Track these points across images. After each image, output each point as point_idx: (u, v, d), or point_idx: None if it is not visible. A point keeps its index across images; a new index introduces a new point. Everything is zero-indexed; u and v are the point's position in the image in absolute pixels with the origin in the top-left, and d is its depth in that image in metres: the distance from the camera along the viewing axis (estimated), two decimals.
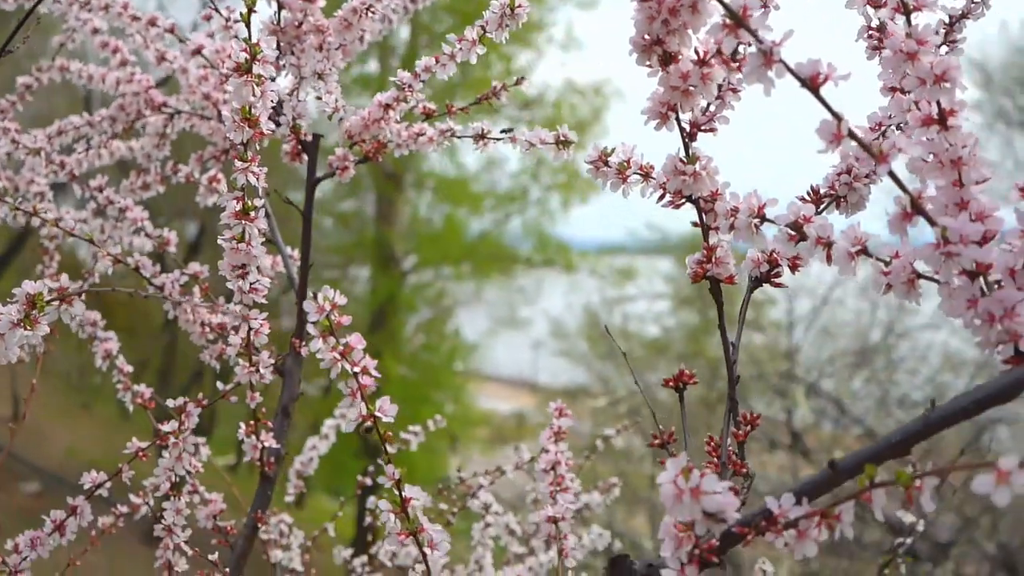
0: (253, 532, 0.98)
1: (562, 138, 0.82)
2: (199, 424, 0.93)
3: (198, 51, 1.04)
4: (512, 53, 11.47)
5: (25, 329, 0.66)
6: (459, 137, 0.95)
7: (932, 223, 0.51)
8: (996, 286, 0.51)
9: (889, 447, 0.50)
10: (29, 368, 1.13)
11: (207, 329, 1.00)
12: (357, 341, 0.62)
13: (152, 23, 1.08)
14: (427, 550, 0.63)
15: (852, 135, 0.50)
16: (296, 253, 1.07)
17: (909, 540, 1.06)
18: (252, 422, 0.95)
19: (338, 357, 0.61)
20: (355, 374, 0.61)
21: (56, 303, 0.65)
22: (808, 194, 0.67)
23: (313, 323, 0.60)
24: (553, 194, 12.20)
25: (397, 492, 0.64)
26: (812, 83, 0.50)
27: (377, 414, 0.62)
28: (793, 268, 0.66)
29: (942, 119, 0.53)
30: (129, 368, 1.09)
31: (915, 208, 0.51)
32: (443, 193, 12.24)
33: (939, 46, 0.70)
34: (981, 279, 0.51)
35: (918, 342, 7.70)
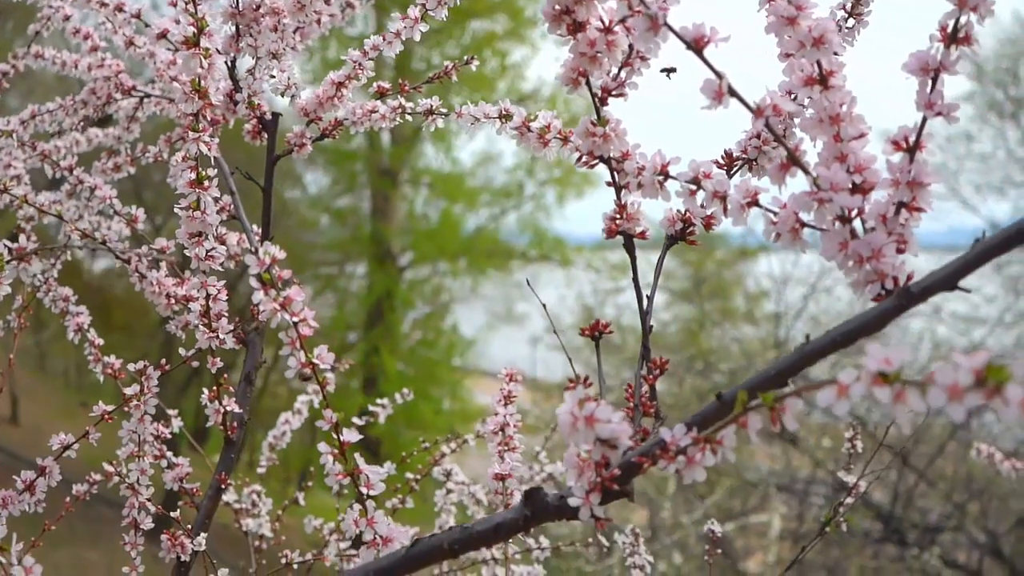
0: (217, 493, 1.02)
1: (504, 112, 0.87)
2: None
3: (163, 35, 1.08)
4: (507, 49, 11.52)
5: None
6: (410, 114, 1.00)
7: (807, 173, 0.55)
8: (871, 232, 0.55)
9: (768, 378, 0.54)
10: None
11: (172, 300, 1.05)
12: (296, 293, 0.66)
13: (119, 8, 1.12)
14: (363, 489, 0.68)
15: (732, 92, 0.54)
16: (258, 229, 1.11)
17: (850, 500, 1.10)
18: (215, 388, 0.99)
19: (278, 308, 0.65)
20: (295, 324, 0.66)
21: (14, 262, 0.69)
22: (722, 157, 0.71)
23: (254, 276, 0.64)
24: (548, 189, 12.24)
25: (335, 436, 0.68)
26: (697, 45, 0.54)
27: (315, 361, 0.66)
28: (707, 226, 0.70)
29: (823, 79, 0.57)
30: (100, 341, 1.14)
31: (792, 160, 0.56)
32: (439, 189, 12.28)
33: (846, 19, 0.74)
34: (853, 224, 0.55)
35: (910, 333, 7.76)
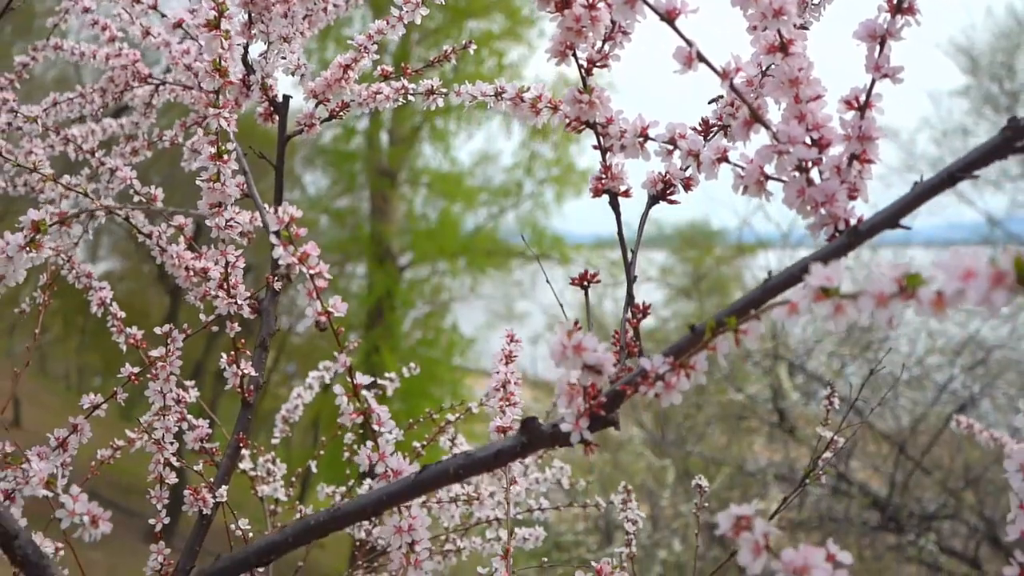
0: (236, 452, 1.09)
1: (499, 89, 0.93)
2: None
3: (179, 24, 1.15)
4: (504, 49, 11.59)
5: (30, 252, 0.77)
6: (412, 94, 1.07)
7: (768, 128, 0.62)
8: (826, 180, 0.62)
9: (735, 310, 0.61)
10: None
11: (191, 273, 1.11)
12: (312, 248, 0.73)
13: (136, 1, 1.19)
14: (376, 427, 0.75)
15: (701, 58, 0.61)
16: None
17: (830, 455, 1.17)
18: (233, 352, 1.06)
19: (296, 261, 0.72)
20: (311, 276, 0.73)
21: (57, 226, 0.76)
22: (699, 124, 0.78)
23: (275, 233, 0.71)
24: (547, 188, 12.31)
25: (349, 379, 0.75)
26: (669, 16, 0.61)
27: (330, 309, 0.73)
28: (687, 187, 0.77)
29: (783, 47, 0.64)
30: (122, 313, 1.20)
31: (754, 117, 0.63)
32: (437, 189, 12.34)
33: None
34: (811, 174, 0.62)
35: (908, 326, 7.83)
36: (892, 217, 0.58)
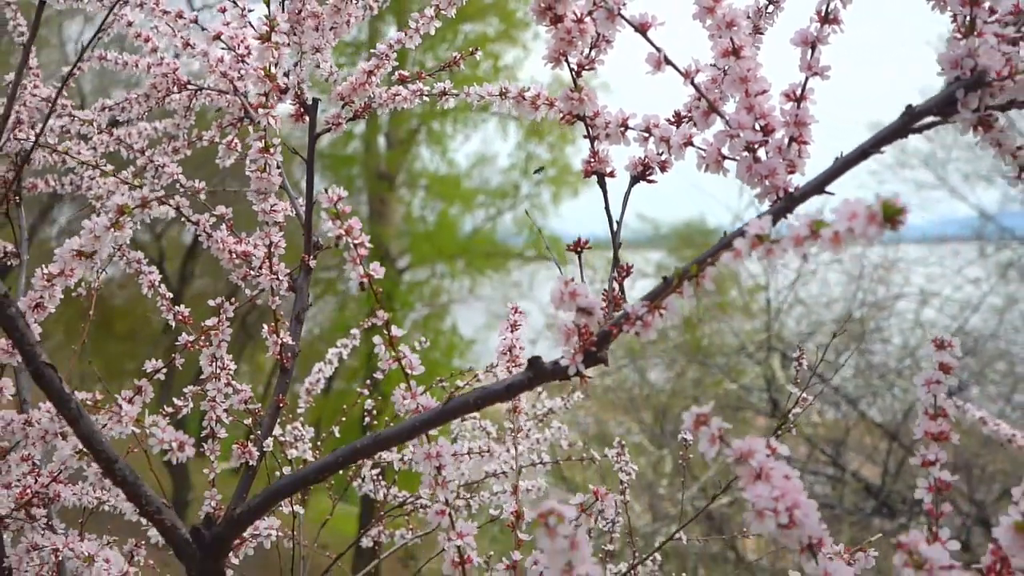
0: (276, 411, 1.24)
1: (503, 90, 1.09)
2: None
3: (217, 36, 1.30)
4: (499, 51, 11.75)
5: (115, 231, 0.93)
6: (427, 96, 1.22)
7: (722, 116, 0.78)
8: (769, 158, 0.78)
9: (697, 262, 0.76)
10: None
11: (233, 256, 1.27)
12: (356, 223, 0.88)
13: (179, 16, 1.34)
14: (408, 370, 0.90)
15: (667, 61, 0.77)
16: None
17: (798, 409, 1.32)
18: (274, 324, 1.22)
19: (343, 233, 0.88)
20: (355, 245, 0.88)
21: (139, 208, 0.91)
22: (673, 116, 0.94)
23: (325, 209, 0.87)
24: (544, 189, 12.46)
25: (387, 332, 0.91)
26: (642, 28, 0.77)
27: (371, 272, 0.89)
28: (662, 169, 0.93)
29: (735, 52, 0.80)
30: (170, 294, 1.36)
31: (711, 108, 0.78)
32: (435, 191, 12.49)
33: (767, 4, 0.96)
34: (758, 153, 0.78)
35: (904, 318, 8.01)
36: (819, 186, 0.73)
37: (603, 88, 10.48)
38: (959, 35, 0.70)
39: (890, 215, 0.55)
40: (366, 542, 1.66)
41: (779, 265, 7.66)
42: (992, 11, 0.70)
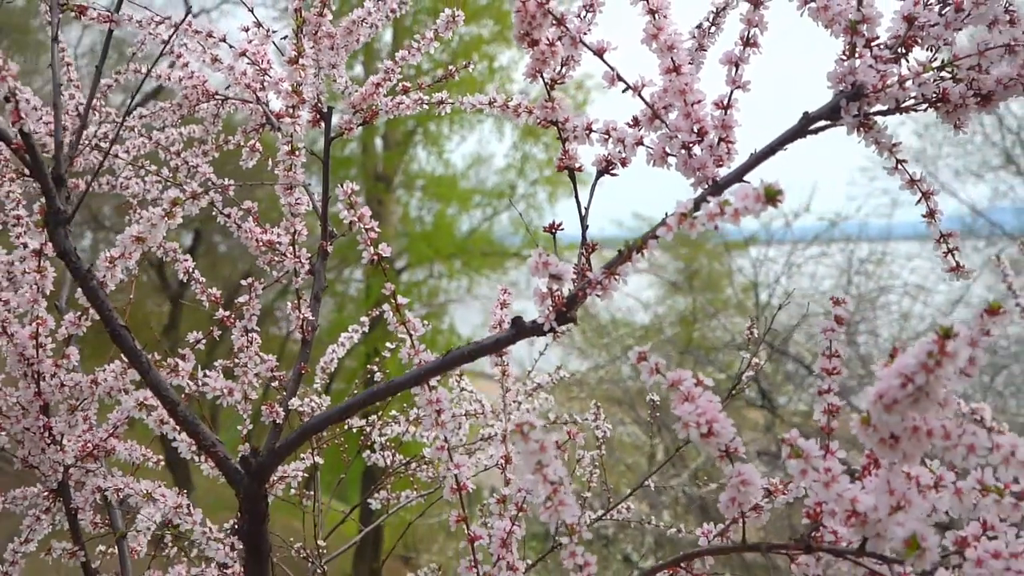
0: (298, 378, 1.44)
1: (492, 100, 1.28)
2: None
3: (243, 53, 1.50)
4: (494, 53, 11.95)
5: (168, 219, 1.12)
6: (428, 104, 1.42)
7: (663, 122, 0.97)
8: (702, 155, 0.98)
9: (645, 238, 0.96)
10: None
11: (260, 243, 1.46)
12: (367, 210, 1.08)
13: (210, 35, 1.54)
14: (411, 332, 1.09)
15: (619, 78, 0.96)
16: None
17: (750, 372, 1.51)
18: (296, 301, 1.41)
19: (356, 220, 1.07)
20: (367, 229, 1.07)
21: (189, 200, 1.11)
22: (632, 119, 1.13)
23: (341, 200, 1.06)
24: (540, 188, 12.65)
25: (393, 300, 1.10)
26: (599, 51, 0.97)
27: (380, 252, 1.08)
28: (623, 164, 1.12)
29: (676, 69, 0.99)
30: (203, 279, 1.55)
31: (655, 115, 0.98)
32: (432, 192, 12.67)
33: (710, 25, 1.16)
34: (693, 151, 0.97)
35: (892, 312, 8.22)
36: (736, 176, 0.93)
37: (599, 90, 10.69)
38: (844, 56, 0.90)
39: (771, 196, 0.74)
40: (374, 504, 1.85)
41: (767, 260, 7.86)
42: (869, 41, 0.89)
